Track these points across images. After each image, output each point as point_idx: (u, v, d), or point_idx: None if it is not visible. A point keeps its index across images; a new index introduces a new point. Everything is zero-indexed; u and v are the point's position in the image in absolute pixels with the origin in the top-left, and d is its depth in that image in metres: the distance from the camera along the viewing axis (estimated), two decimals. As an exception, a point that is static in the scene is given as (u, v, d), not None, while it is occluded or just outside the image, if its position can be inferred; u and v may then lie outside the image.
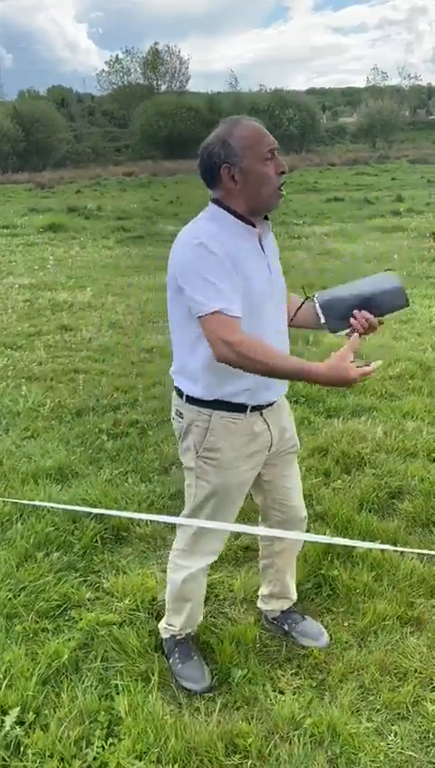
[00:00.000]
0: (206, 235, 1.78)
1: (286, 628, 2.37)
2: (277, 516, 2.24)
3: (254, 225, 1.87)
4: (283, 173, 1.82)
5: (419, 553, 2.68)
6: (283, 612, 2.40)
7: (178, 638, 2.27)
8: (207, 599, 2.56)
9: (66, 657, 2.25)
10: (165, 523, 2.96)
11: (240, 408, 1.94)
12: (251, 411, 1.97)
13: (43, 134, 47.87)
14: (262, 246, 1.90)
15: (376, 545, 2.43)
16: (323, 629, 2.36)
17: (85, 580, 2.67)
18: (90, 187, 27.37)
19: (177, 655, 2.24)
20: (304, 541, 2.38)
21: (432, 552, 2.66)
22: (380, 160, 36.25)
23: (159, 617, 2.46)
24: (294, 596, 2.42)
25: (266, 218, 1.94)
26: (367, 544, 2.09)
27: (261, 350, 1.72)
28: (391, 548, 2.65)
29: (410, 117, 66.93)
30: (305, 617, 2.40)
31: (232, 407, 1.94)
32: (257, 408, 1.98)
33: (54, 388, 4.82)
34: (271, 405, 2.03)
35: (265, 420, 2.02)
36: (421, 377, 4.83)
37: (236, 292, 1.77)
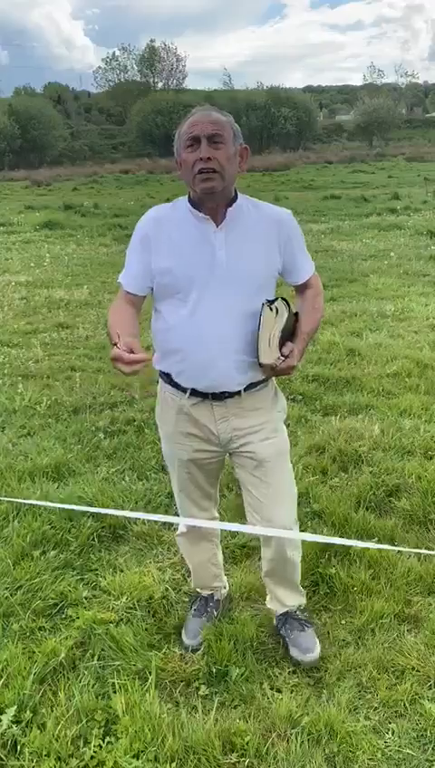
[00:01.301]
0: (147, 214, 2.04)
1: (282, 632, 2.32)
2: (252, 523, 2.22)
3: (203, 212, 1.93)
4: (201, 159, 1.84)
5: (416, 552, 2.68)
6: (283, 614, 2.35)
7: (197, 595, 2.47)
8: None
9: (63, 655, 2.24)
10: (161, 521, 2.95)
11: (180, 387, 2.06)
12: (192, 395, 2.04)
13: (40, 131, 47.78)
14: (215, 234, 1.93)
15: (372, 544, 2.42)
16: (317, 646, 2.24)
17: (82, 579, 2.67)
18: (86, 185, 27.33)
19: (192, 608, 2.44)
20: (294, 561, 2.28)
21: (431, 552, 2.66)
22: (376, 158, 36.28)
23: (156, 614, 2.46)
24: (290, 602, 2.34)
25: (231, 204, 1.95)
26: (365, 544, 2.09)
27: (110, 312, 2.01)
28: (389, 547, 2.65)
29: (406, 115, 66.96)
30: (307, 627, 2.30)
31: (174, 384, 2.08)
32: (200, 395, 2.03)
33: (51, 386, 4.81)
34: (221, 397, 2.02)
35: (211, 410, 2.05)
36: (418, 375, 4.83)
37: (137, 270, 2.00)
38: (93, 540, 2.89)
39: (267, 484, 2.13)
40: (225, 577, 2.54)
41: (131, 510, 3.09)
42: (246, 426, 2.08)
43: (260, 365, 1.93)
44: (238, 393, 2.03)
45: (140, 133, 53.75)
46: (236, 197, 1.98)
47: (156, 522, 3.00)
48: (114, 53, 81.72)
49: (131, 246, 2.04)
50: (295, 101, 55.80)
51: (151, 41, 79.97)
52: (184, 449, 2.16)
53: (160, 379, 2.16)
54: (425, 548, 2.81)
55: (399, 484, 3.30)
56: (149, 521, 3.01)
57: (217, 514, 2.45)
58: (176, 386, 2.07)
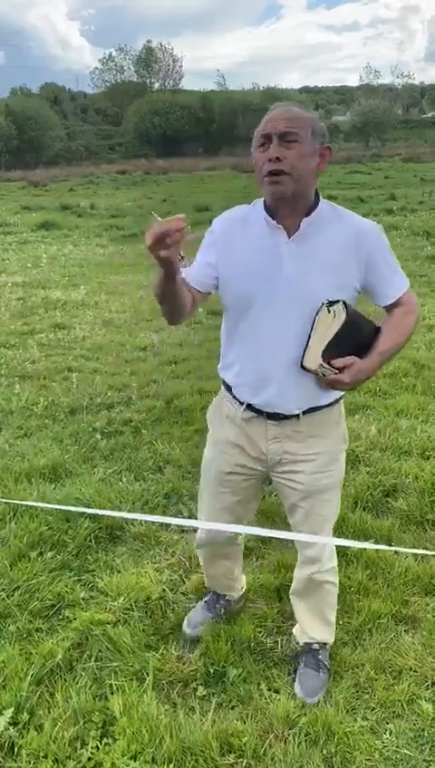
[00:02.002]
0: (223, 214, 1.91)
1: (297, 660, 2.23)
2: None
3: (276, 220, 1.77)
4: (270, 160, 1.68)
5: (414, 553, 2.68)
6: (305, 645, 2.23)
7: (210, 590, 2.45)
8: (203, 596, 2.56)
9: (60, 656, 2.24)
10: (159, 522, 2.95)
11: (237, 399, 1.96)
12: (248, 409, 1.94)
13: (36, 132, 47.70)
14: (286, 246, 1.77)
15: (370, 545, 2.42)
16: (322, 692, 2.11)
17: (79, 580, 2.66)
18: (83, 185, 27.28)
19: (203, 599, 2.44)
20: (328, 588, 2.17)
21: (428, 552, 2.66)
22: (373, 159, 36.29)
23: (153, 615, 2.46)
24: (314, 635, 2.21)
25: (309, 213, 1.77)
26: (362, 544, 2.08)
27: None
28: (386, 548, 2.65)
29: (402, 115, 67.03)
30: (322, 672, 2.16)
31: (232, 394, 1.97)
32: (255, 411, 1.93)
33: (48, 387, 4.80)
34: (277, 417, 1.90)
35: (266, 428, 1.93)
36: (415, 375, 4.83)
37: (198, 266, 1.85)
38: (90, 541, 2.88)
39: (310, 517, 2.02)
40: (240, 583, 2.47)
41: (129, 511, 3.09)
42: (299, 452, 1.94)
43: (302, 367, 1.77)
44: (296, 416, 1.90)
45: (137, 134, 53.74)
46: (316, 204, 1.79)
47: (153, 522, 2.99)
48: (111, 54, 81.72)
49: (204, 245, 1.90)
50: (292, 102, 55.75)
51: (148, 41, 80.00)
52: (226, 459, 2.04)
53: (222, 385, 2.05)
54: (422, 548, 2.81)
55: (396, 485, 3.30)
56: (145, 522, 3.00)
57: (241, 545, 2.38)
58: (234, 397, 1.97)
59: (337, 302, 1.72)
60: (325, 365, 1.72)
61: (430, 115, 71.05)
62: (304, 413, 1.89)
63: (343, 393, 1.93)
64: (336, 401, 1.96)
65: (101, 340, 6.05)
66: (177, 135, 52.72)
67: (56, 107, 58.62)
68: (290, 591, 2.27)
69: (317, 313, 1.72)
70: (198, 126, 54.91)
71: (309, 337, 1.74)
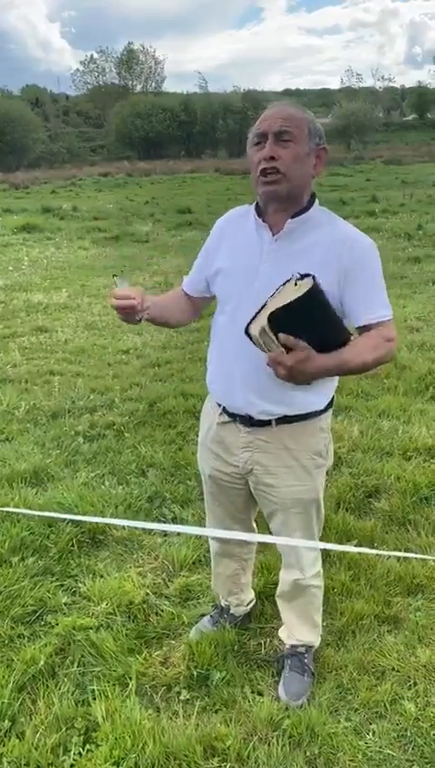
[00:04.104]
0: (227, 213, 1.95)
1: (282, 663, 2.20)
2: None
3: (263, 218, 1.78)
4: (264, 159, 1.67)
5: (396, 555, 2.70)
6: (291, 647, 2.21)
7: (216, 604, 2.44)
8: (187, 599, 2.56)
9: (42, 662, 2.22)
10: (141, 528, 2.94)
11: (217, 402, 1.99)
12: (223, 413, 1.96)
13: (18, 134, 47.39)
14: (268, 245, 1.76)
15: (352, 548, 2.43)
16: (305, 696, 2.09)
17: (61, 585, 2.64)
18: (65, 188, 27.16)
19: (209, 614, 2.43)
20: (312, 591, 2.15)
21: (410, 555, 2.68)
22: (354, 161, 36.48)
23: (136, 619, 2.45)
24: (300, 637, 2.19)
25: (297, 215, 1.74)
26: (344, 548, 2.09)
27: None
28: (370, 551, 2.66)
29: (383, 118, 67.44)
30: (307, 675, 2.14)
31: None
32: (230, 415, 1.93)
33: (29, 391, 4.77)
34: (250, 423, 1.88)
35: (238, 435, 1.93)
36: (396, 376, 4.86)
37: (198, 268, 1.97)
38: (73, 545, 2.86)
39: (285, 528, 2.00)
40: (246, 596, 2.42)
41: (112, 514, 3.07)
42: (270, 464, 1.91)
43: (246, 332, 1.61)
44: (269, 423, 1.85)
45: (119, 136, 53.64)
46: (307, 208, 1.76)
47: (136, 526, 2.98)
48: (92, 56, 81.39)
49: (205, 246, 1.97)
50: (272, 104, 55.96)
51: (130, 43, 79.94)
52: (206, 463, 2.08)
53: None
54: (404, 549, 2.83)
55: (378, 485, 3.32)
56: (128, 526, 2.99)
57: (251, 547, 2.34)
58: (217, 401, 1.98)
59: (311, 276, 1.54)
60: (269, 333, 1.52)
61: (410, 118, 71.68)
62: (277, 422, 1.85)
63: (322, 406, 1.88)
64: (315, 414, 1.87)
65: (83, 344, 6.02)
66: (159, 137, 52.68)
67: (37, 109, 58.33)
68: (276, 594, 2.27)
69: (284, 282, 1.58)
70: (180, 128, 54.93)
71: (264, 304, 1.56)
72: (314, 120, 1.72)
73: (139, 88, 67.98)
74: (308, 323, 1.54)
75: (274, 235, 1.76)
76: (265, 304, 1.57)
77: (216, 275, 1.88)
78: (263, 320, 1.54)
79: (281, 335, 1.52)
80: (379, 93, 72.66)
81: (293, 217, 1.74)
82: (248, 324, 1.60)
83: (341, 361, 1.61)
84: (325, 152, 1.74)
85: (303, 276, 1.55)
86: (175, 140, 55.30)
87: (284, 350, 1.54)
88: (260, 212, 1.79)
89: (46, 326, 6.61)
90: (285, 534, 2.02)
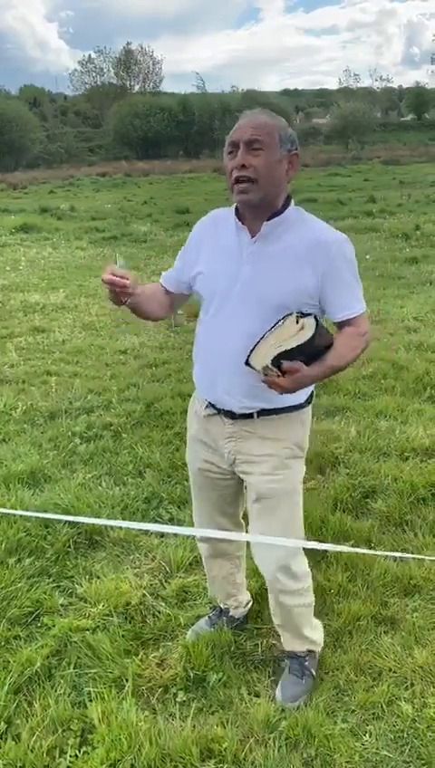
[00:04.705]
0: (208, 214, 1.99)
1: (281, 667, 2.22)
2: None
3: (242, 221, 1.84)
4: (236, 168, 1.74)
5: (393, 556, 2.70)
6: (287, 650, 2.21)
7: (215, 605, 2.43)
8: (183, 600, 2.56)
9: (39, 664, 2.22)
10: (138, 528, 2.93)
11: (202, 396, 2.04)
12: (208, 406, 2.01)
13: (15, 134, 47.26)
14: (248, 247, 1.83)
15: (347, 548, 2.43)
16: (302, 698, 2.09)
17: (58, 586, 2.64)
18: (63, 188, 27.15)
19: (207, 615, 2.43)
20: (294, 610, 2.13)
21: (406, 555, 2.68)
22: (352, 161, 36.49)
23: (133, 620, 2.45)
24: (293, 648, 2.18)
25: (273, 217, 1.81)
26: (341, 548, 2.09)
27: None
28: (367, 551, 2.66)
29: (381, 118, 67.45)
30: (306, 678, 2.14)
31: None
32: (215, 408, 1.98)
33: (26, 391, 4.76)
34: (233, 415, 1.93)
35: (223, 427, 1.98)
36: (394, 376, 4.86)
37: (176, 269, 2.00)
38: (69, 546, 2.86)
39: (261, 522, 2.02)
40: (244, 597, 2.43)
41: (108, 515, 3.07)
42: (250, 452, 1.96)
43: (246, 363, 1.74)
44: (251, 416, 1.92)
45: (117, 136, 53.52)
46: (282, 210, 1.83)
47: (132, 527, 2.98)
48: (90, 56, 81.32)
49: (187, 243, 2.01)
50: (272, 105, 56.03)
51: (128, 43, 79.91)
52: (196, 457, 2.12)
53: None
54: (401, 549, 2.83)
55: (375, 486, 3.32)
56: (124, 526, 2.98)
57: (241, 542, 2.34)
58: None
59: (310, 315, 1.72)
60: (272, 368, 1.68)
61: (408, 118, 71.68)
62: (259, 415, 1.91)
63: (301, 401, 1.96)
64: (295, 408, 1.94)
65: (80, 344, 6.01)
66: (157, 137, 52.58)
67: (35, 109, 58.15)
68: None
69: (284, 318, 1.72)
70: (179, 128, 54.84)
71: (263, 336, 1.71)
72: (285, 127, 1.78)
73: (137, 88, 67.84)
74: (308, 352, 1.71)
75: (252, 237, 1.83)
76: (263, 337, 1.71)
77: (197, 277, 1.94)
78: (268, 355, 1.69)
79: (284, 364, 1.67)
80: (377, 93, 72.64)
81: (268, 220, 1.81)
82: (248, 356, 1.73)
83: (328, 368, 1.78)
84: (297, 157, 1.81)
85: (303, 315, 1.72)
86: (173, 140, 55.21)
87: (281, 374, 1.68)
88: (240, 216, 1.86)
89: (43, 326, 6.61)
90: (260, 526, 2.02)
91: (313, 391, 2.02)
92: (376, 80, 79.55)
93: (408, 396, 4.52)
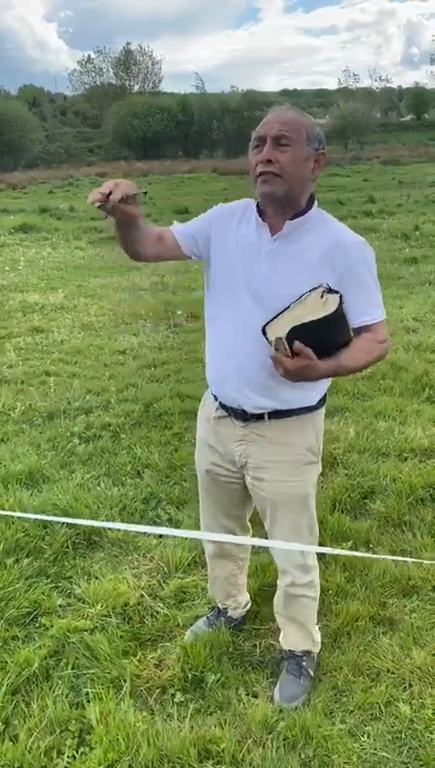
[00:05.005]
0: (234, 202, 1.92)
1: (279, 668, 2.22)
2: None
3: (263, 218, 1.80)
4: (262, 162, 1.70)
5: (391, 559, 2.70)
6: (288, 651, 2.21)
7: (214, 605, 2.42)
8: (181, 601, 2.55)
9: (37, 665, 2.22)
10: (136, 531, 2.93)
11: (214, 395, 2.00)
12: (220, 407, 1.98)
13: (15, 134, 47.28)
14: (268, 244, 1.79)
15: (346, 552, 2.43)
16: (301, 698, 2.09)
17: (56, 587, 2.63)
18: (62, 188, 27.15)
19: (206, 615, 2.41)
20: (303, 601, 2.14)
21: (405, 559, 2.68)
22: (352, 161, 36.50)
23: (131, 621, 2.44)
24: (295, 645, 2.19)
25: (296, 217, 1.77)
26: (340, 551, 2.09)
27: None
28: (365, 555, 2.66)
29: (381, 119, 67.49)
30: (304, 678, 2.14)
31: (211, 390, 2.01)
32: (226, 409, 1.96)
33: (25, 391, 4.76)
34: (244, 417, 1.91)
35: (233, 429, 1.95)
36: (393, 377, 4.86)
37: (192, 230, 1.88)
38: (68, 547, 2.86)
39: (276, 526, 2.02)
40: (243, 598, 2.43)
41: (107, 516, 3.07)
42: (262, 458, 1.94)
43: (263, 330, 1.67)
44: (262, 417, 1.89)
45: (117, 136, 53.57)
46: (306, 210, 1.79)
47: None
48: (89, 56, 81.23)
49: (203, 215, 1.93)
50: (269, 104, 55.95)
51: (128, 43, 79.89)
52: (204, 458, 2.10)
53: None
54: (399, 550, 2.83)
55: (374, 486, 3.32)
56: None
57: (247, 546, 2.33)
58: (212, 393, 2.01)
59: (335, 292, 1.66)
60: (284, 342, 1.61)
61: (407, 118, 71.73)
62: (270, 417, 1.89)
63: (313, 402, 1.92)
64: (307, 410, 1.92)
65: (79, 344, 6.01)
66: (156, 137, 52.62)
67: (35, 109, 58.16)
68: (274, 607, 2.25)
69: (310, 291, 1.67)
70: (178, 128, 54.89)
71: (287, 307, 1.66)
72: (313, 125, 1.74)
73: (136, 88, 67.88)
74: (325, 336, 1.65)
75: (272, 235, 1.79)
76: (287, 307, 1.65)
77: (212, 266, 1.89)
78: (284, 328, 1.61)
79: (296, 344, 1.60)
80: (376, 94, 72.65)
81: (291, 219, 1.78)
82: (266, 324, 1.66)
83: (338, 366, 1.71)
84: (324, 156, 1.76)
85: (331, 290, 1.65)
86: (172, 141, 55.26)
87: (290, 353, 1.62)
88: (260, 212, 1.82)
89: (42, 326, 6.61)
90: (274, 532, 2.03)
91: (326, 393, 1.98)
92: (375, 80, 79.62)
93: (407, 396, 4.52)
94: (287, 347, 1.62)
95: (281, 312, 1.66)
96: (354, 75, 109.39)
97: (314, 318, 1.61)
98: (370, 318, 1.80)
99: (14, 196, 23.60)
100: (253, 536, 2.32)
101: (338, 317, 1.65)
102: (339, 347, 1.71)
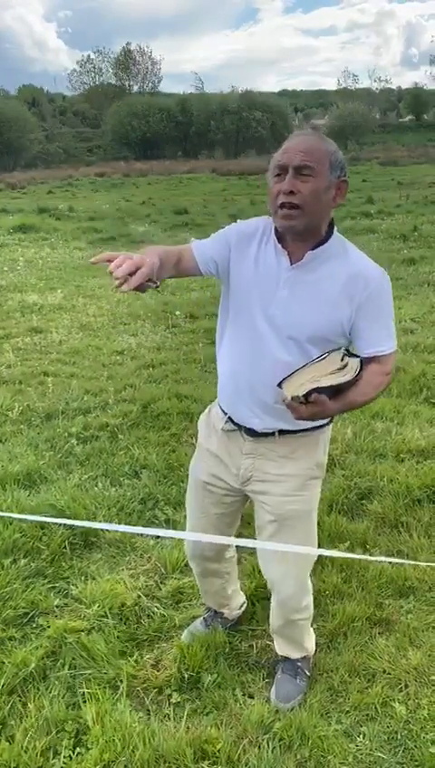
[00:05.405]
0: (254, 221, 1.87)
1: (277, 668, 2.22)
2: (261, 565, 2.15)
3: (283, 245, 1.77)
4: (283, 193, 1.66)
5: (388, 561, 2.70)
6: (282, 655, 2.22)
7: (209, 607, 2.42)
8: (178, 601, 2.56)
9: (33, 665, 2.22)
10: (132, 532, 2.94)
11: (222, 409, 1.98)
12: (229, 421, 1.96)
13: (14, 134, 47.27)
14: (287, 271, 1.76)
15: (343, 553, 2.43)
16: (296, 699, 2.11)
17: (53, 587, 2.64)
18: (61, 188, 27.13)
19: (202, 615, 2.43)
20: (300, 624, 2.15)
21: (401, 561, 2.68)
22: (351, 162, 36.45)
23: (128, 621, 2.45)
24: (289, 654, 2.20)
25: (317, 246, 1.74)
26: (337, 553, 2.10)
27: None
28: (362, 557, 2.67)
29: (380, 119, 67.57)
30: (300, 679, 2.16)
31: (219, 403, 2.00)
32: (235, 425, 1.94)
33: (23, 392, 4.76)
34: (254, 434, 1.90)
35: (242, 443, 1.94)
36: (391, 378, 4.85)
37: (211, 251, 1.82)
38: (65, 547, 2.86)
39: (277, 541, 1.98)
40: (237, 602, 2.43)
41: (104, 516, 3.07)
42: (270, 471, 1.93)
43: (279, 385, 1.68)
44: (272, 434, 1.89)
45: (116, 136, 53.54)
46: (326, 239, 1.76)
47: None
48: (89, 56, 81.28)
49: (222, 234, 1.86)
50: (270, 105, 56.06)
51: (127, 44, 79.85)
52: (203, 467, 2.06)
53: None
54: (396, 551, 2.83)
55: (371, 487, 3.32)
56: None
57: (231, 561, 2.31)
58: (220, 406, 2.00)
59: (356, 356, 1.69)
60: (302, 398, 1.62)
61: (407, 119, 71.77)
62: (280, 434, 1.89)
63: (323, 422, 1.91)
64: (317, 428, 1.91)
65: (77, 345, 6.01)
66: (156, 137, 52.61)
67: (34, 109, 58.11)
68: (268, 617, 2.23)
69: (329, 352, 1.69)
70: (177, 129, 54.89)
71: (304, 366, 1.68)
72: (336, 152, 1.70)
73: (135, 88, 67.81)
74: (341, 389, 1.67)
75: (292, 263, 1.77)
76: (305, 366, 1.67)
77: (232, 284, 1.85)
78: (302, 387, 1.62)
79: (313, 396, 1.61)
80: (375, 95, 72.74)
81: (313, 249, 1.75)
82: (283, 380, 1.67)
83: (348, 404, 1.73)
84: (346, 184, 1.74)
85: (350, 354, 1.68)
86: (172, 141, 55.25)
87: (305, 401, 1.63)
88: (279, 237, 1.79)
89: (41, 327, 6.60)
90: (278, 544, 1.99)
91: None
92: (375, 81, 79.75)
93: (404, 397, 4.52)
94: (304, 401, 1.63)
95: (298, 369, 1.67)
96: (354, 76, 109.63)
97: (335, 383, 1.64)
98: (382, 349, 1.78)
99: (13, 196, 23.58)
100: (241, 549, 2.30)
101: (356, 378, 1.67)
102: (348, 386, 1.71)
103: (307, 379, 1.65)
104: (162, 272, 1.65)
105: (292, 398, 1.63)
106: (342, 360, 1.67)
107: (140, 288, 1.50)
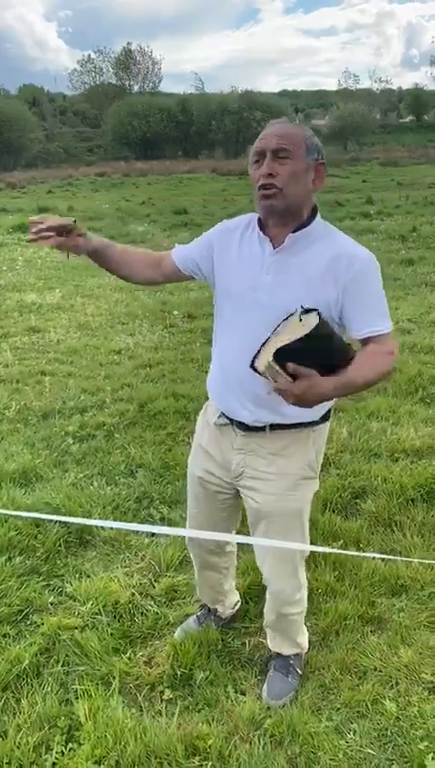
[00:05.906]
0: (236, 218, 1.94)
1: (268, 665, 2.24)
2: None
3: (265, 232, 1.80)
4: (262, 176, 1.71)
5: (380, 558, 2.72)
6: (274, 651, 2.24)
7: (204, 604, 2.45)
8: (172, 599, 2.58)
9: (27, 662, 2.23)
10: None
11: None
12: (222, 416, 1.97)
13: (14, 133, 47.27)
14: (269, 257, 1.78)
15: (337, 550, 2.45)
16: (288, 696, 2.12)
17: (48, 585, 2.65)
18: (61, 188, 27.13)
19: (196, 613, 2.45)
20: (294, 619, 2.17)
21: (393, 558, 2.70)
22: (351, 163, 36.52)
23: (121, 619, 2.46)
24: (281, 650, 2.22)
25: (298, 229, 1.76)
26: (331, 550, 2.11)
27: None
28: (354, 553, 2.68)
29: (380, 120, 67.57)
30: (292, 677, 2.17)
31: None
32: (228, 419, 1.95)
33: (20, 391, 4.77)
34: (246, 428, 1.90)
35: (234, 437, 1.95)
36: (386, 378, 4.87)
37: (192, 253, 1.95)
38: (60, 545, 2.88)
39: (269, 539, 1.99)
40: (231, 600, 2.44)
41: (99, 515, 3.09)
42: (259, 468, 1.93)
43: (252, 367, 1.63)
44: (263, 429, 1.89)
45: (116, 136, 53.54)
46: (308, 222, 1.78)
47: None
48: (89, 56, 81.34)
49: (205, 234, 1.95)
50: (270, 105, 56.06)
51: (128, 43, 79.87)
52: (197, 463, 2.09)
53: None
54: (389, 549, 2.85)
55: (365, 486, 3.34)
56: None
57: (231, 556, 2.33)
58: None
59: (313, 310, 1.59)
60: (276, 366, 1.57)
61: (407, 120, 71.80)
62: (271, 428, 1.88)
63: (315, 417, 1.89)
64: (309, 424, 1.90)
65: (75, 344, 6.03)
66: (156, 137, 52.61)
67: (34, 108, 58.11)
68: (263, 623, 2.26)
69: (287, 317, 1.62)
70: (177, 129, 54.88)
71: (268, 338, 1.62)
72: (311, 136, 1.74)
73: (136, 88, 67.82)
74: (313, 355, 1.58)
75: (274, 247, 1.79)
76: (267, 339, 1.61)
77: (218, 278, 1.90)
78: (268, 355, 1.58)
79: (289, 365, 1.56)
80: (376, 95, 72.76)
81: (294, 232, 1.77)
82: (253, 359, 1.63)
83: (346, 382, 1.65)
84: (324, 167, 1.76)
85: (307, 311, 1.59)
86: (172, 141, 55.25)
87: (291, 379, 1.57)
88: (262, 225, 1.82)
89: (39, 326, 6.62)
90: (266, 546, 2.03)
91: (330, 410, 1.96)
92: (375, 81, 79.73)
93: (400, 397, 4.54)
94: (282, 372, 1.57)
95: (262, 345, 1.63)
96: (354, 76, 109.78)
97: (295, 338, 1.55)
98: (375, 329, 1.74)
99: (13, 196, 23.59)
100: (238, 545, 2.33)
101: (321, 332, 1.57)
102: (341, 363, 1.65)
103: (273, 347, 1.59)
104: (97, 256, 1.90)
105: (268, 370, 1.59)
106: (300, 321, 1.59)
107: (54, 243, 1.74)
